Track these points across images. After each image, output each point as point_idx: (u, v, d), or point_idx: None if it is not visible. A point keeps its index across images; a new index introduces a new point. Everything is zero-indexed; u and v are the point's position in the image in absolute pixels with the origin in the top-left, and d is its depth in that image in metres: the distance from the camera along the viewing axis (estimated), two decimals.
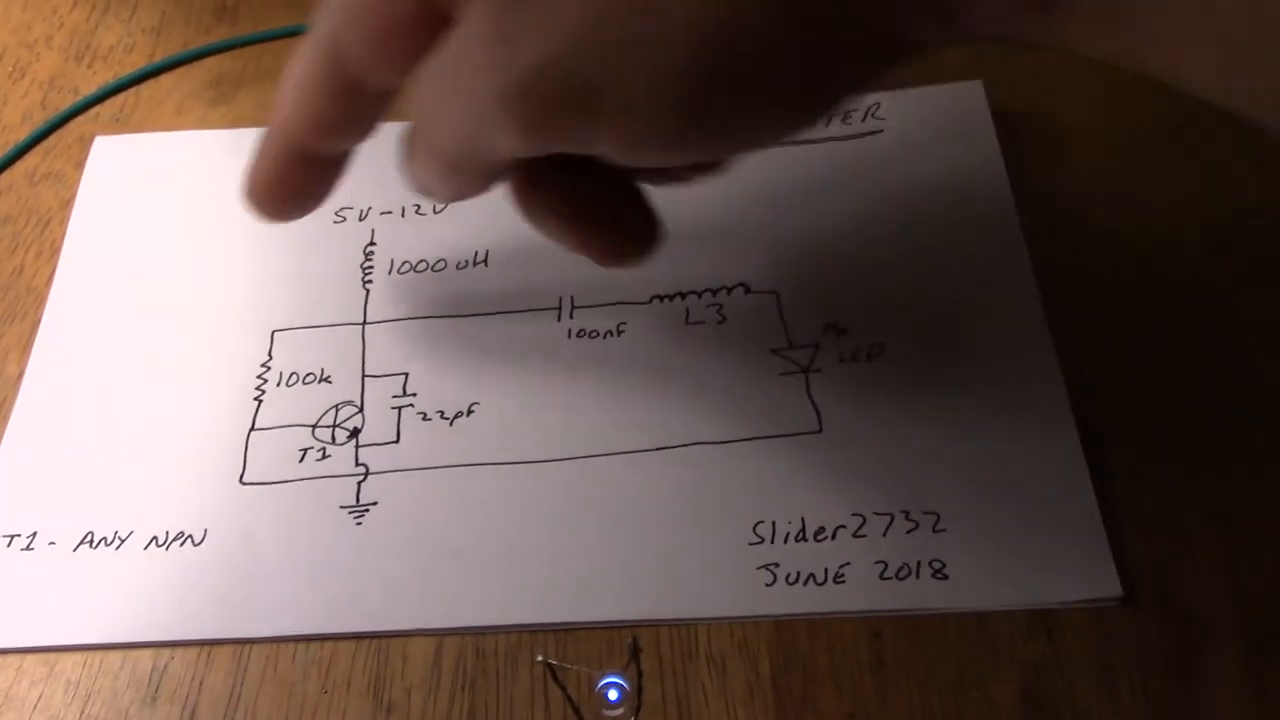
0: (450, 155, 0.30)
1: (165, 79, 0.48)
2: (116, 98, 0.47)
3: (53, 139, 0.46)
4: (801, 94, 0.27)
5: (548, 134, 0.27)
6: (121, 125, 0.47)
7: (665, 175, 0.34)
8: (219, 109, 0.47)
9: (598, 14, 0.25)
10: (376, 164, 0.44)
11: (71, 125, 0.47)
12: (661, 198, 0.44)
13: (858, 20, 0.25)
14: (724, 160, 0.34)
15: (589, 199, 0.32)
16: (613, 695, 0.31)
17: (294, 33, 0.49)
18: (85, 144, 0.46)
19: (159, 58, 0.48)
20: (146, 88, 0.48)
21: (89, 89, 0.48)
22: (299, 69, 0.30)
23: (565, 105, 0.26)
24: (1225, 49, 0.22)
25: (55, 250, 0.43)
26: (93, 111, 0.47)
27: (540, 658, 0.32)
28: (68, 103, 0.47)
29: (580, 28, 0.25)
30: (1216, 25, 0.22)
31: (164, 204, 0.44)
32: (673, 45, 0.25)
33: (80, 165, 0.45)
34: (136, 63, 0.48)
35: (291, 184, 0.33)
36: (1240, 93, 0.23)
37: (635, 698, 0.31)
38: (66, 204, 0.44)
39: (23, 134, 0.46)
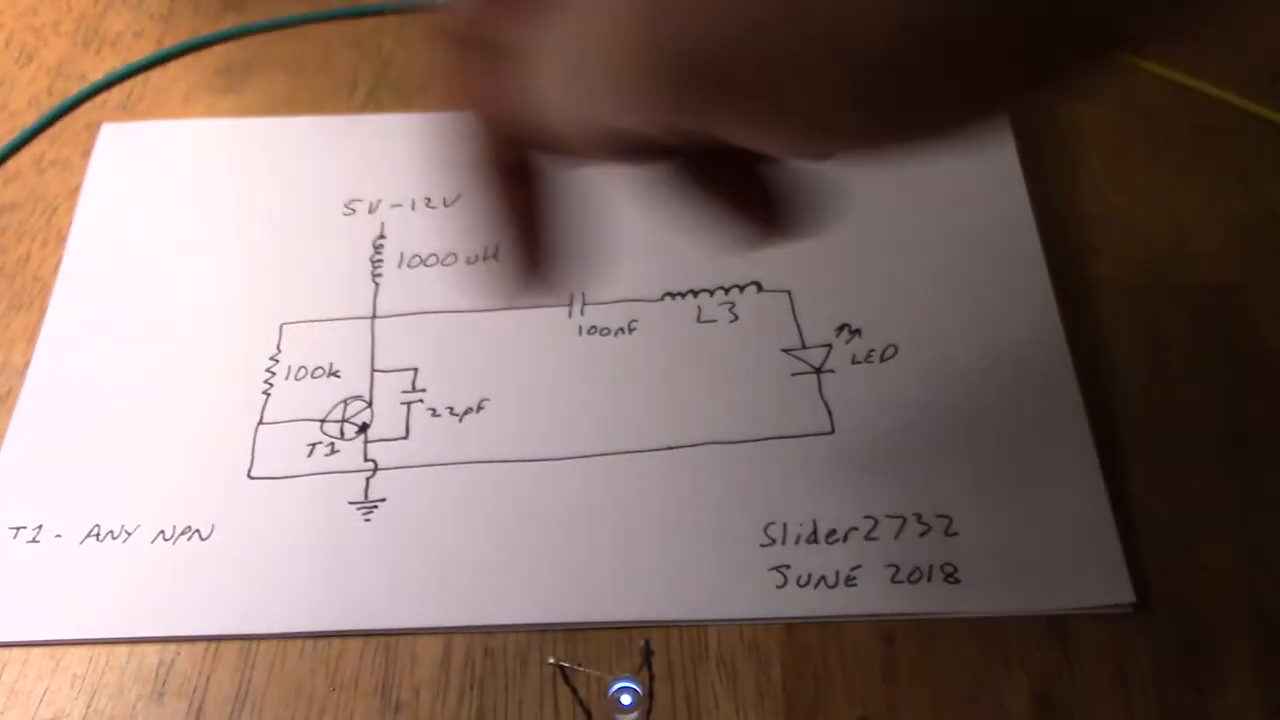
0: (569, 133, 0.27)
1: (173, 66, 0.48)
2: (124, 85, 0.47)
3: (60, 125, 0.46)
4: (997, 95, 0.25)
5: (695, 120, 0.24)
6: (129, 113, 0.46)
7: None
8: (227, 97, 0.47)
9: None
10: (387, 155, 0.44)
11: (79, 112, 0.46)
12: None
13: (1081, 17, 0.23)
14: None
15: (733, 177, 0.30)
16: (626, 700, 0.31)
17: (302, 21, 0.49)
18: (92, 131, 0.45)
19: (167, 45, 0.48)
20: (154, 75, 0.47)
21: (96, 75, 0.47)
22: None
23: (726, 93, 0.24)
24: None
25: (62, 239, 0.42)
26: (100, 98, 0.47)
27: (551, 660, 0.32)
28: (75, 89, 0.47)
29: (758, 9, 0.22)
30: None
31: (171, 193, 0.43)
32: (871, 36, 0.23)
33: (87, 153, 0.45)
34: (144, 49, 0.48)
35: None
36: None
37: (647, 701, 0.31)
38: (73, 192, 0.44)
39: (30, 120, 0.46)
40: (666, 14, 0.23)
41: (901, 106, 0.24)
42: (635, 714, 0.31)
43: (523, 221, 0.31)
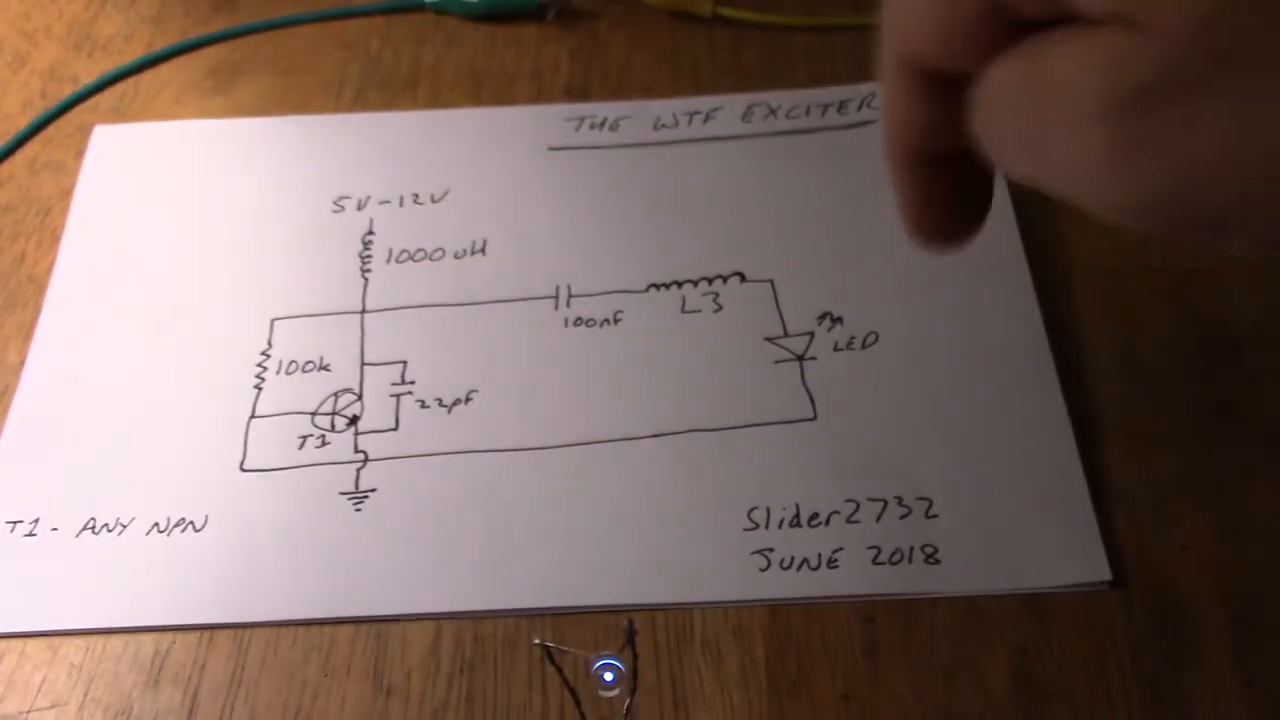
0: (1022, 178, 0.28)
1: (164, 68, 0.48)
2: (116, 87, 0.48)
3: (53, 128, 0.47)
4: None
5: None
6: (120, 114, 0.47)
7: None
8: (217, 98, 0.47)
9: (1264, 146, 0.23)
10: (374, 153, 0.45)
11: (71, 114, 0.47)
12: (658, 184, 0.44)
13: None
14: None
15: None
16: (608, 676, 0.31)
17: (292, 22, 0.49)
18: (85, 133, 0.46)
19: (158, 47, 0.49)
20: (145, 77, 0.48)
21: (88, 78, 0.48)
22: (883, 92, 0.30)
23: (1180, 225, 0.25)
24: None
25: (56, 239, 0.43)
26: (92, 101, 0.47)
27: (537, 640, 0.32)
28: (67, 92, 0.47)
29: (1243, 154, 0.24)
30: None
31: (163, 193, 0.44)
32: None
33: (80, 154, 0.45)
34: (135, 52, 0.49)
35: (935, 200, 0.32)
36: None
37: (631, 680, 0.32)
38: (67, 193, 0.44)
39: (23, 123, 0.46)
40: (1140, 139, 0.24)
41: None
42: (617, 691, 0.31)
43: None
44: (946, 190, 0.32)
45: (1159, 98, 0.24)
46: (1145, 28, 0.24)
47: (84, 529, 0.36)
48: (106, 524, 0.36)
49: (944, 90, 0.29)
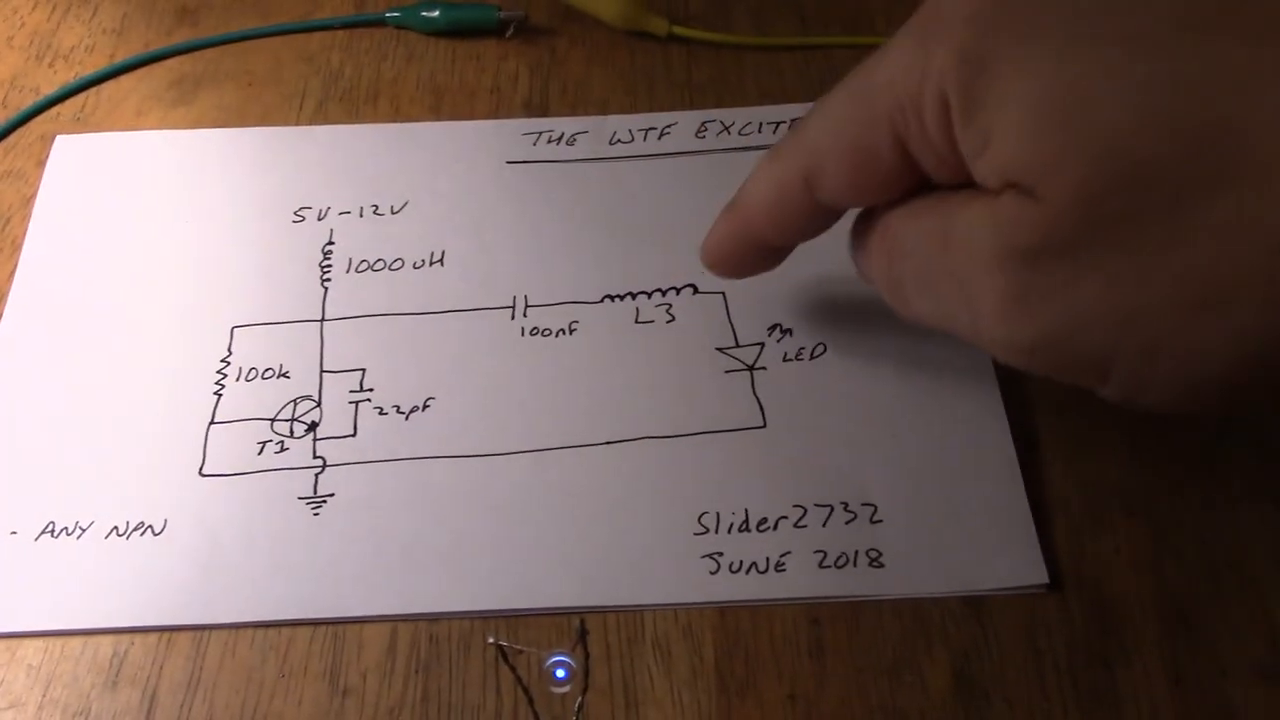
0: (916, 318, 0.33)
1: (126, 79, 0.49)
2: (77, 98, 0.48)
3: (13, 138, 0.47)
4: None
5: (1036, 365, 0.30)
6: (82, 125, 0.47)
7: None
8: (179, 110, 0.48)
9: (1134, 306, 0.27)
10: (335, 165, 0.46)
11: (32, 124, 0.47)
12: (613, 198, 0.45)
13: None
14: None
15: None
16: (560, 673, 0.32)
17: (255, 35, 0.50)
18: (46, 143, 0.46)
19: (120, 58, 0.49)
20: (107, 88, 0.49)
21: (50, 88, 0.48)
22: (771, 174, 0.34)
23: (1062, 369, 0.29)
24: None
25: (16, 247, 0.43)
26: (53, 111, 0.48)
27: (491, 640, 0.33)
28: (29, 102, 0.48)
29: (1111, 313, 0.27)
30: None
31: (125, 202, 0.45)
32: (1219, 356, 0.26)
33: (41, 164, 0.46)
34: (97, 63, 0.49)
35: (745, 263, 0.37)
36: None
37: (583, 678, 0.32)
38: (27, 201, 0.45)
39: None
40: (1028, 295, 0.28)
41: (1244, 403, 0.31)
42: (569, 687, 0.32)
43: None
44: (765, 259, 0.37)
45: (1046, 256, 0.27)
46: (1036, 196, 0.27)
47: (43, 532, 0.37)
48: (66, 527, 0.37)
49: (823, 211, 0.33)
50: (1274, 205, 0.24)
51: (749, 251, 0.37)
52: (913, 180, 0.31)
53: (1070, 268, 0.27)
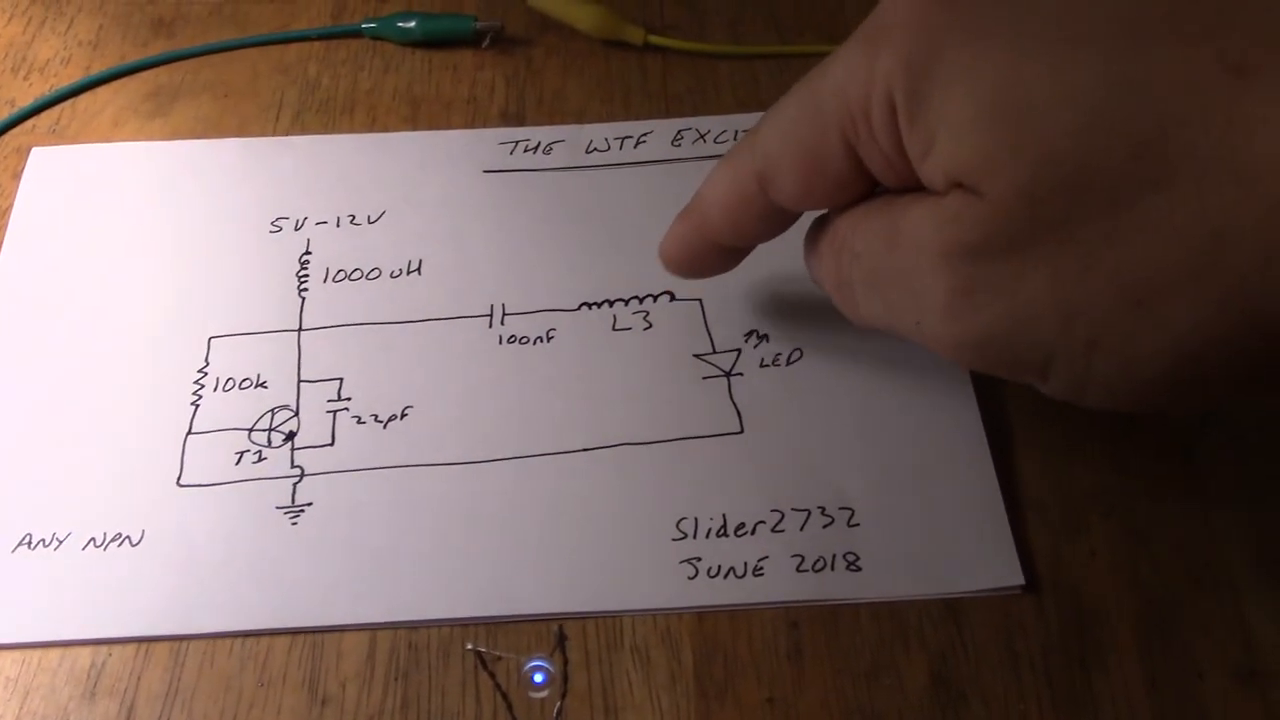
0: (865, 320, 0.34)
1: (102, 91, 0.49)
2: (53, 110, 0.48)
3: None
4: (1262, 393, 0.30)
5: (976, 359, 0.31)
6: (58, 137, 0.47)
7: None
8: (155, 121, 0.48)
9: (1075, 303, 0.27)
10: (312, 175, 0.46)
11: (8, 137, 0.47)
12: (590, 206, 0.45)
13: None
14: None
15: None
16: (538, 678, 0.32)
17: (231, 47, 0.50)
18: (22, 155, 0.46)
19: (96, 70, 0.49)
20: (83, 100, 0.49)
21: (25, 101, 0.48)
22: (727, 176, 0.35)
23: (1005, 365, 0.30)
24: None
25: None
26: (29, 123, 0.48)
27: (470, 645, 0.33)
28: (4, 114, 0.48)
29: (1053, 310, 0.27)
30: None
31: (101, 214, 0.45)
32: (1153, 353, 0.27)
33: (17, 176, 0.46)
34: (73, 75, 0.49)
35: (702, 264, 0.38)
36: None
37: (561, 684, 0.32)
38: (3, 214, 0.45)
39: None
40: (970, 293, 0.29)
41: (1180, 401, 0.30)
42: (547, 692, 0.32)
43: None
44: (722, 260, 0.38)
45: (991, 252, 0.28)
46: (981, 193, 0.27)
47: (20, 544, 0.36)
48: (43, 539, 0.37)
49: (778, 213, 0.33)
50: (1208, 205, 0.25)
51: (706, 251, 0.37)
52: (864, 184, 0.32)
53: (1015, 265, 0.27)
